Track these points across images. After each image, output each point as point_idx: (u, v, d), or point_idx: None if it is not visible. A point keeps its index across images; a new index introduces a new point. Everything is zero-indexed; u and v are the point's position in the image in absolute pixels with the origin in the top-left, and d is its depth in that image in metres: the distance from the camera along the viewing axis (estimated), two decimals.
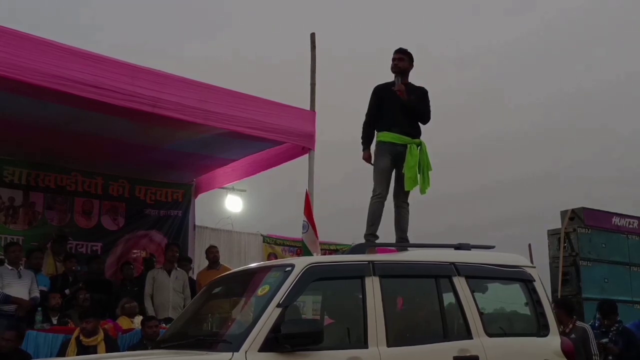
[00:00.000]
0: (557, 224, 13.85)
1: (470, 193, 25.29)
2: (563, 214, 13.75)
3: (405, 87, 6.44)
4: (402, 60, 6.55)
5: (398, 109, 6.38)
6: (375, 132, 6.53)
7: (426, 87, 6.67)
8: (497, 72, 27.68)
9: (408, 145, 6.26)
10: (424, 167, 6.31)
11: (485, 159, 26.52)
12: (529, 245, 13.18)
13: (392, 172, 6.36)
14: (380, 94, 6.57)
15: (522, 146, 27.49)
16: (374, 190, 6.27)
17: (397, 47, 6.63)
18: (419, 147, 6.34)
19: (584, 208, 13.75)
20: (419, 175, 6.26)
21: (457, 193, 24.32)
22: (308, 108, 9.17)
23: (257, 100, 8.56)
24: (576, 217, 13.54)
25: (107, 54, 7.32)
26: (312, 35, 9.40)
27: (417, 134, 6.46)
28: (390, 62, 6.59)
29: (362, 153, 6.61)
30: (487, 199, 25.59)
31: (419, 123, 6.54)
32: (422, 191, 6.33)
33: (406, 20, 27.39)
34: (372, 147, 6.57)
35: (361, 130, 6.66)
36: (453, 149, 23.56)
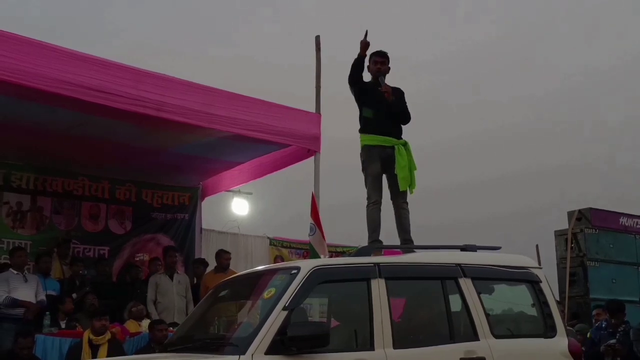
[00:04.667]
0: (564, 224, 13.85)
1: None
2: (570, 214, 13.74)
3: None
4: (384, 64, 6.61)
5: (383, 110, 6.39)
6: (360, 134, 6.51)
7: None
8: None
9: (395, 147, 6.28)
10: (410, 167, 6.31)
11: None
12: (537, 246, 13.14)
13: (382, 176, 6.36)
14: (365, 87, 6.57)
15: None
16: (369, 198, 6.27)
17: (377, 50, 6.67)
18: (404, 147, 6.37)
19: (590, 208, 13.75)
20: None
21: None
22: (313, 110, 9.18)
23: (262, 103, 8.57)
24: (583, 217, 13.53)
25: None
26: (317, 38, 9.37)
27: (400, 134, 6.49)
28: (371, 65, 6.62)
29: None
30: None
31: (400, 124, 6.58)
32: (410, 191, 6.34)
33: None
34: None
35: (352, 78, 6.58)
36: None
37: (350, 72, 6.57)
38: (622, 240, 13.77)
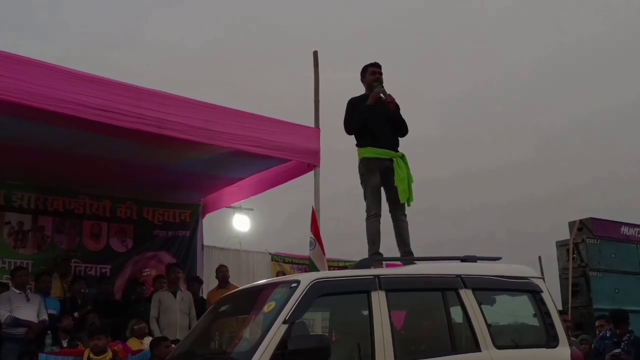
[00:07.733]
0: (565, 235, 13.81)
1: None
2: (571, 224, 13.71)
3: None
4: (382, 74, 6.67)
5: (382, 122, 6.40)
6: (357, 148, 6.51)
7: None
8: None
9: (394, 159, 6.28)
10: (408, 179, 6.31)
11: None
12: (539, 257, 13.11)
13: (381, 189, 6.36)
14: (359, 106, 6.56)
15: None
16: (368, 210, 6.25)
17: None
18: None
19: (592, 218, 13.71)
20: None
21: None
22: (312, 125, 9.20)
23: (261, 118, 8.60)
24: (584, 227, 13.50)
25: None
26: (315, 54, 9.42)
27: (397, 146, 6.49)
28: (369, 76, 6.68)
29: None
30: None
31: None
32: (407, 204, 6.33)
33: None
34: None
35: (349, 128, 6.59)
36: None
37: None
38: (624, 250, 13.73)
